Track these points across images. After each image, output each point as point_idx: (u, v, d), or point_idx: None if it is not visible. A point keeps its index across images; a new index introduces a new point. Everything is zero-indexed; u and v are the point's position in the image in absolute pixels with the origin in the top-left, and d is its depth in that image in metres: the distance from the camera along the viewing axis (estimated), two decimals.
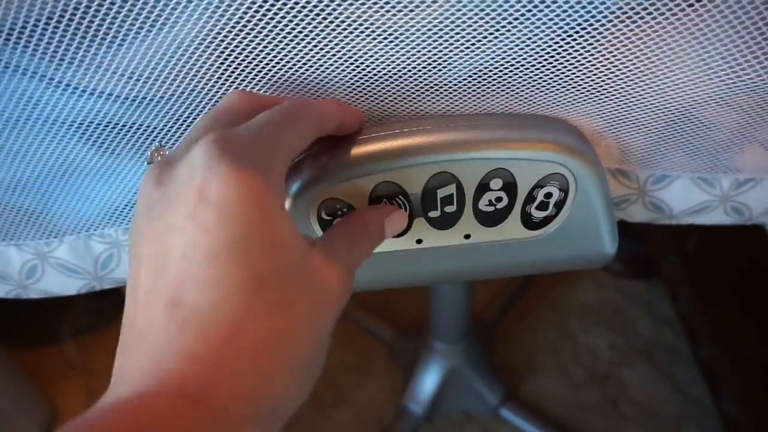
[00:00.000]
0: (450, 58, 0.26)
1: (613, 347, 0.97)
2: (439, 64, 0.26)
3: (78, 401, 0.95)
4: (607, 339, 0.98)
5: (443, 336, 0.83)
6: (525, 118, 0.29)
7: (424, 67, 0.27)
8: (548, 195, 0.30)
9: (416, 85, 0.28)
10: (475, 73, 0.27)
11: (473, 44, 0.25)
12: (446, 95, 0.28)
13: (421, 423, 0.87)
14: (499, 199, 0.30)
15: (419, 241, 0.31)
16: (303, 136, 0.23)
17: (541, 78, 0.27)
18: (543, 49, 0.25)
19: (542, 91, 0.28)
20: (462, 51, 0.26)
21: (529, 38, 0.25)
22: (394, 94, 0.28)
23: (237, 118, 0.23)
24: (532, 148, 0.28)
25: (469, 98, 0.29)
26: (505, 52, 0.26)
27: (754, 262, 0.81)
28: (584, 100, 0.28)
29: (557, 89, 0.28)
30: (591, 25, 0.24)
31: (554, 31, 0.25)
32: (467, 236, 0.31)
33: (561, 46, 0.25)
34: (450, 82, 0.27)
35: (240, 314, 0.19)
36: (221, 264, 0.19)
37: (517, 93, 0.28)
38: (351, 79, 0.27)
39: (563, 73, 0.27)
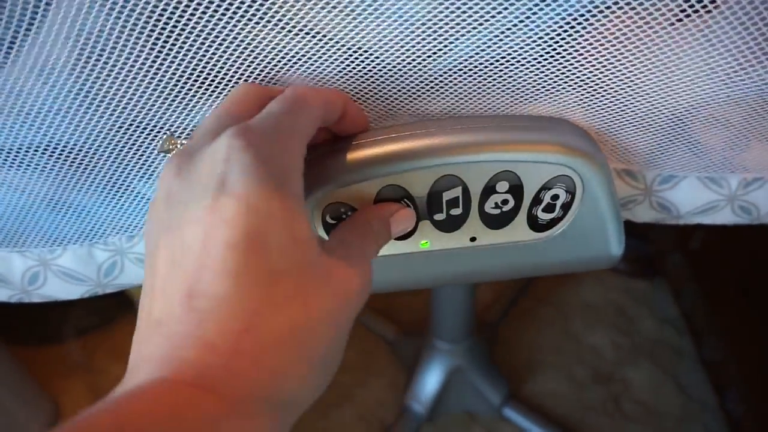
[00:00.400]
0: (445, 45, 0.25)
1: (617, 347, 0.97)
2: (434, 51, 0.26)
3: (80, 400, 0.95)
4: (610, 338, 0.98)
5: (446, 335, 0.83)
6: (531, 119, 0.29)
7: (421, 57, 0.26)
8: (555, 197, 0.29)
9: (415, 79, 0.27)
10: (475, 66, 0.26)
11: (467, 30, 0.25)
12: (448, 92, 0.28)
13: (424, 422, 0.86)
14: (505, 202, 0.29)
15: (424, 244, 0.31)
16: (313, 122, 0.23)
17: (544, 75, 0.27)
18: (543, 40, 0.25)
19: (546, 90, 0.28)
20: (456, 37, 0.25)
21: (527, 26, 0.24)
22: (394, 89, 0.28)
23: (248, 109, 0.24)
24: (538, 150, 0.28)
25: (472, 97, 0.28)
26: (499, 37, 0.25)
27: (759, 261, 0.81)
28: (589, 100, 0.28)
29: (561, 88, 0.28)
30: (593, 16, 0.24)
31: (554, 20, 0.24)
32: (473, 239, 0.31)
33: (563, 38, 0.25)
34: (450, 75, 0.27)
35: (258, 306, 0.19)
36: (240, 255, 0.19)
37: (520, 92, 0.28)
38: (348, 73, 0.27)
39: (566, 68, 0.26)
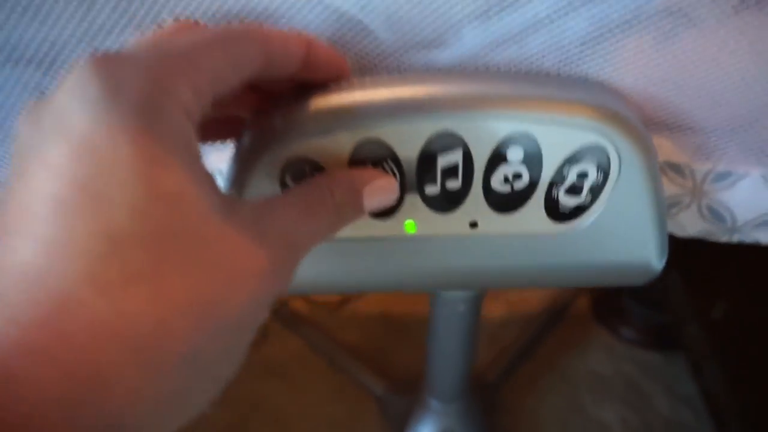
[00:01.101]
0: None
1: (627, 426, 0.88)
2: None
3: None
4: (620, 415, 0.89)
5: (439, 392, 0.75)
6: (557, 75, 0.23)
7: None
8: (582, 175, 0.23)
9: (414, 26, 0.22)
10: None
11: None
12: (454, 47, 0.22)
13: None
14: (517, 176, 0.23)
15: (410, 227, 0.24)
16: (238, 63, 0.18)
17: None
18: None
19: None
20: None
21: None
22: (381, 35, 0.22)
23: None
24: (564, 109, 0.22)
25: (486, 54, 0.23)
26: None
27: None
28: (631, 69, 0.22)
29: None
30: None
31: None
32: (474, 224, 0.24)
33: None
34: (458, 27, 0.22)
35: (78, 284, 0.14)
36: (68, 215, 0.14)
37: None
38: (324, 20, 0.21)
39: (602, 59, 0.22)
